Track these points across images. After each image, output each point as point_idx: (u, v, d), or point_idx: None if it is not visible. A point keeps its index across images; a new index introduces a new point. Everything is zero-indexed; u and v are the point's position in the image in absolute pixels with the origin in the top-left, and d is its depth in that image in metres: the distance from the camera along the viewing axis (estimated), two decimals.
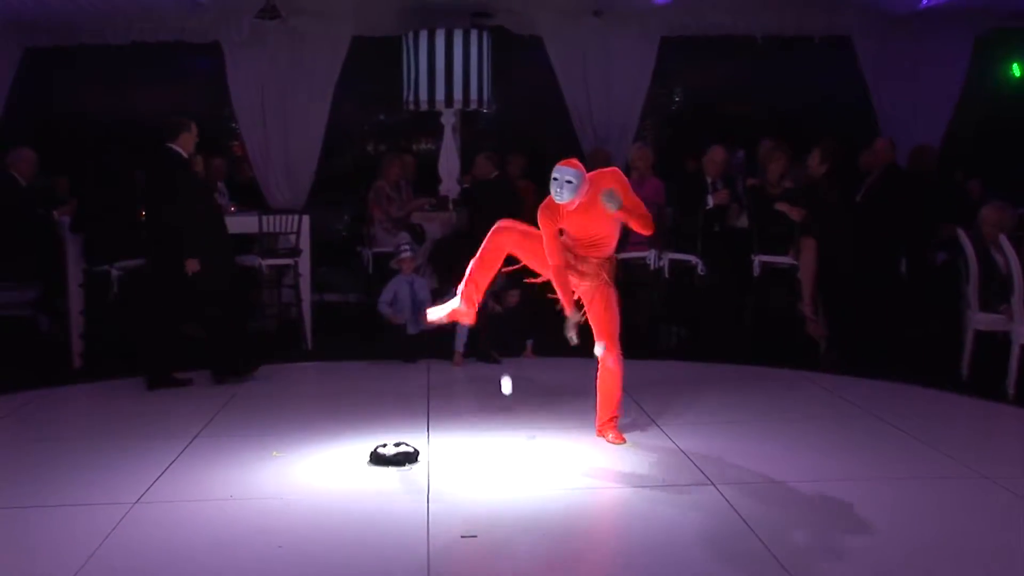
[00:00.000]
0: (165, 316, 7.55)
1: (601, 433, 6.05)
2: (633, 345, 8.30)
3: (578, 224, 5.71)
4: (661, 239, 9.12)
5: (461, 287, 5.91)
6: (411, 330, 8.32)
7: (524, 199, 9.51)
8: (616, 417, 6.06)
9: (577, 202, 5.59)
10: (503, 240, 5.78)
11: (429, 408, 6.82)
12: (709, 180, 9.20)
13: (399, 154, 10.68)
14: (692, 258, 8.98)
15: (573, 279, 5.79)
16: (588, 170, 5.69)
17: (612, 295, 5.86)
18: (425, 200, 10.47)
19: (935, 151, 9.57)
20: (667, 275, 9.08)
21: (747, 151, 10.49)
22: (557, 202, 5.53)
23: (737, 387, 7.43)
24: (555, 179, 5.51)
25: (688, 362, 8.36)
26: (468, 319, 6.00)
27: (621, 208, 5.54)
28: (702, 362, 8.30)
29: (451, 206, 10.47)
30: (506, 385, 6.20)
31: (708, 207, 9.03)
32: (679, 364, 8.32)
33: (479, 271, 5.84)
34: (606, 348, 5.85)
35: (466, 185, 9.88)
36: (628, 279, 9.32)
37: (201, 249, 7.47)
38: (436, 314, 6.04)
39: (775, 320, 8.96)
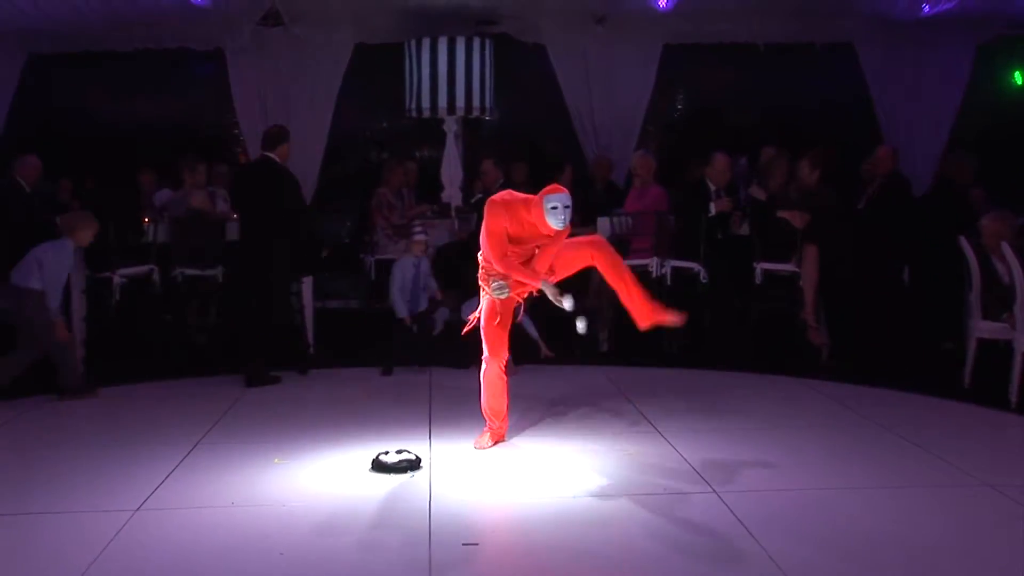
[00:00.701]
0: (264, 317, 7.89)
1: (654, 321, 5.93)
2: (635, 351, 8.39)
3: (525, 236, 5.65)
4: (664, 246, 9.13)
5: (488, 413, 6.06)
6: (404, 312, 8.36)
7: None
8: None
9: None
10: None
11: (431, 415, 6.82)
12: (712, 188, 9.19)
13: (401, 161, 10.69)
14: (695, 265, 8.97)
15: (522, 292, 5.82)
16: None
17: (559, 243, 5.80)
18: (427, 207, 10.49)
19: (972, 164, 9.45)
20: (669, 282, 9.07)
21: (750, 158, 10.50)
22: (557, 229, 5.51)
23: (739, 394, 7.43)
24: (554, 208, 5.48)
25: (690, 369, 8.37)
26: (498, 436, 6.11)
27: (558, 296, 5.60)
28: (704, 369, 8.31)
29: (453, 213, 10.49)
30: (581, 325, 6.06)
31: (711, 215, 9.02)
32: (681, 371, 8.32)
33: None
34: (593, 244, 5.84)
35: (480, 195, 9.88)
36: None
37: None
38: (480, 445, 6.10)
39: (777, 327, 8.97)
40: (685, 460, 5.77)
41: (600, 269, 5.85)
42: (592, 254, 5.82)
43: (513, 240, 5.65)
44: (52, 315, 7.29)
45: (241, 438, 6.35)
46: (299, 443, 6.19)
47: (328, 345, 9.14)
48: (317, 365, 8.66)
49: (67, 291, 8.11)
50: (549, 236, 5.62)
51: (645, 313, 5.90)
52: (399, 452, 5.69)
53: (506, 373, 5.98)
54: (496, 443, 6.07)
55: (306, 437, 6.33)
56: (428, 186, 10.99)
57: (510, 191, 5.82)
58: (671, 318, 5.91)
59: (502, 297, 5.73)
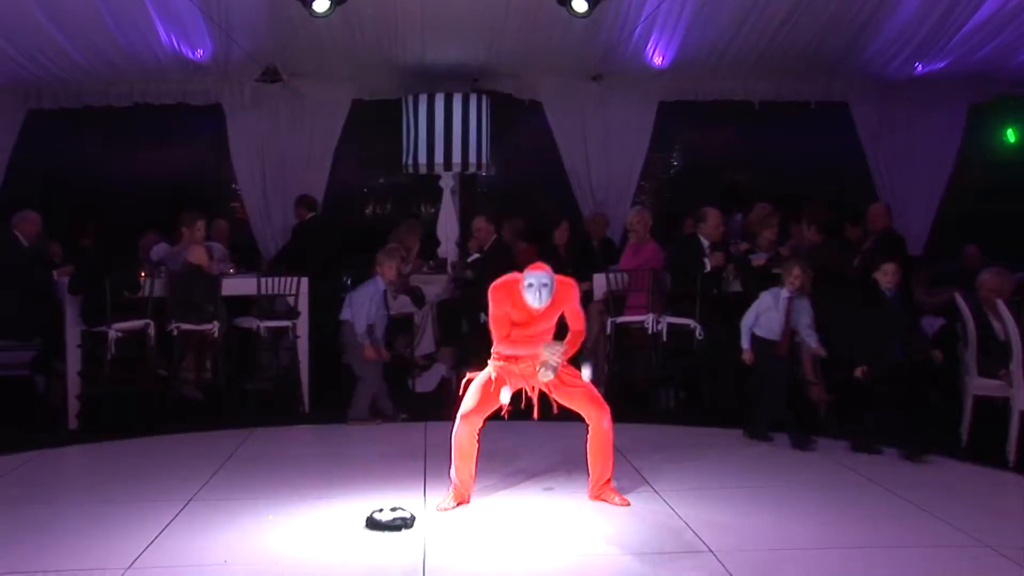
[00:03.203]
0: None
1: (599, 496, 6.02)
2: (631, 408, 8.36)
3: (527, 320, 5.81)
4: (660, 303, 9.14)
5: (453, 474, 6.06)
6: (363, 328, 8.35)
7: (523, 264, 9.53)
8: (611, 479, 6.06)
9: (547, 305, 5.76)
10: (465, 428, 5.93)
11: (426, 470, 6.78)
12: (706, 244, 9.20)
13: (416, 222, 10.69)
14: (690, 322, 8.95)
15: (523, 375, 5.90)
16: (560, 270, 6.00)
17: (568, 368, 5.95)
18: (423, 263, 10.50)
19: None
20: (665, 339, 9.05)
21: (744, 214, 10.54)
22: (535, 307, 5.71)
23: (737, 452, 7.39)
24: (530, 285, 5.70)
25: (686, 426, 8.32)
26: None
27: (554, 374, 5.80)
28: (701, 426, 8.26)
29: (450, 269, 10.50)
30: (587, 372, 6.17)
31: (706, 270, 9.03)
32: (677, 428, 8.28)
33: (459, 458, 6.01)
34: (600, 410, 5.89)
35: (476, 255, 9.92)
36: (627, 342, 9.34)
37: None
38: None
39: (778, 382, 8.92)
40: (681, 519, 5.72)
41: (590, 431, 5.97)
42: (590, 414, 5.95)
43: (521, 322, 5.79)
44: (360, 340, 8.31)
45: (235, 494, 6.30)
46: (293, 499, 6.15)
47: (325, 398, 9.10)
48: (312, 421, 8.65)
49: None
50: (544, 314, 5.77)
51: (597, 485, 6.06)
52: (393, 509, 5.65)
53: (478, 440, 5.96)
54: (459, 504, 6.01)
55: (300, 493, 6.28)
56: (425, 241, 11.01)
57: (514, 274, 5.90)
58: (619, 502, 6.02)
59: (504, 400, 5.84)
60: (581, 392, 5.94)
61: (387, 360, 8.61)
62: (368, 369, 8.36)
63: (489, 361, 5.98)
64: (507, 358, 5.88)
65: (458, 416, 5.94)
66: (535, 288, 5.68)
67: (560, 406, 6.00)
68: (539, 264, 5.81)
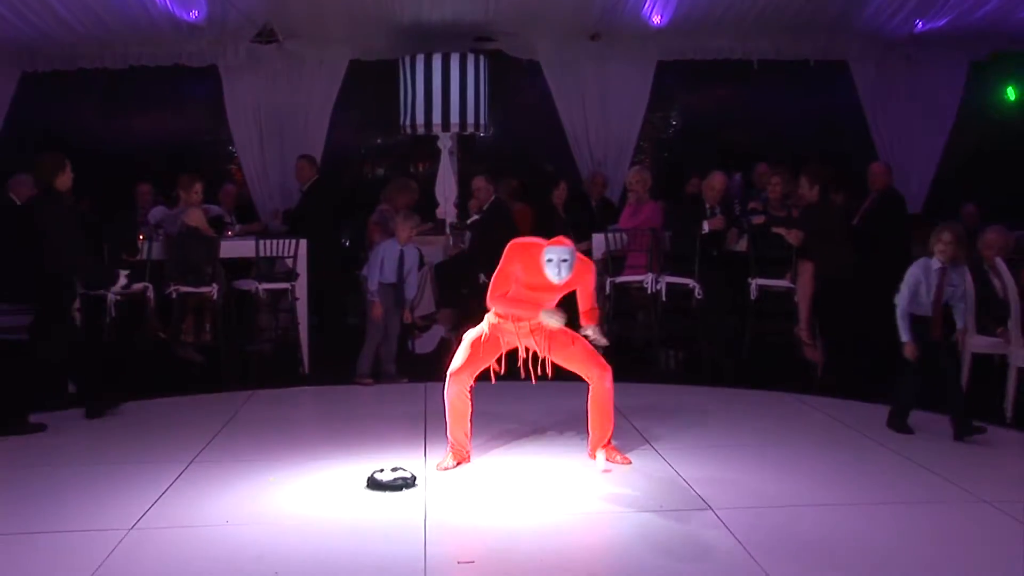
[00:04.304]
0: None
1: (599, 455, 6.04)
2: (630, 368, 8.38)
3: (538, 285, 5.73)
4: (659, 262, 9.15)
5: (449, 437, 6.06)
6: (375, 285, 8.40)
7: (519, 224, 9.53)
8: (611, 438, 6.09)
9: (568, 280, 5.70)
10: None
11: (426, 431, 6.80)
12: (708, 206, 9.20)
13: (407, 181, 10.65)
14: (689, 281, 8.97)
15: (523, 332, 5.86)
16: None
17: (566, 330, 5.91)
18: (425, 225, 10.48)
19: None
20: (664, 298, 9.08)
21: (744, 174, 10.52)
22: (556, 283, 5.64)
23: (734, 411, 7.42)
24: (550, 260, 5.60)
25: (685, 386, 8.35)
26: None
27: (559, 325, 5.75)
28: (699, 386, 8.30)
29: (448, 230, 10.48)
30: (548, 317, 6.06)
31: (705, 232, 9.03)
32: (676, 388, 8.30)
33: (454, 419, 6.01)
34: (601, 369, 5.88)
35: (476, 216, 9.90)
36: (625, 302, 9.36)
37: None
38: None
39: (772, 344, 8.98)
40: (681, 477, 5.75)
41: (591, 391, 5.95)
42: (591, 374, 5.92)
43: (530, 285, 5.72)
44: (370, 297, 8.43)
45: (236, 455, 6.32)
46: (294, 460, 6.17)
47: (324, 362, 9.12)
48: (312, 382, 8.69)
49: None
50: (556, 287, 5.71)
51: (598, 444, 6.05)
52: (394, 470, 5.67)
53: (470, 398, 5.95)
54: (459, 463, 6.02)
55: (301, 454, 6.30)
56: (423, 203, 10.97)
57: (540, 240, 5.79)
58: (621, 460, 6.03)
59: (551, 325, 5.77)
60: (581, 352, 5.92)
61: (410, 322, 8.83)
62: (372, 327, 8.43)
63: (485, 317, 5.95)
64: (505, 316, 5.85)
65: (448, 374, 5.93)
66: (555, 264, 5.60)
67: (555, 368, 5.98)
68: (561, 238, 5.72)
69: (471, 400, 5.96)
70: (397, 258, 8.44)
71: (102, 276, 8.18)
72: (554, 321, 5.72)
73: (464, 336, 6.00)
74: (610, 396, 5.97)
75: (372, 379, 8.41)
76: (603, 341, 5.91)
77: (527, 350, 5.93)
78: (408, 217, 8.63)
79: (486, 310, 5.98)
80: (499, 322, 5.88)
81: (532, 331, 5.86)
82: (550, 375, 5.95)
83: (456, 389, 5.92)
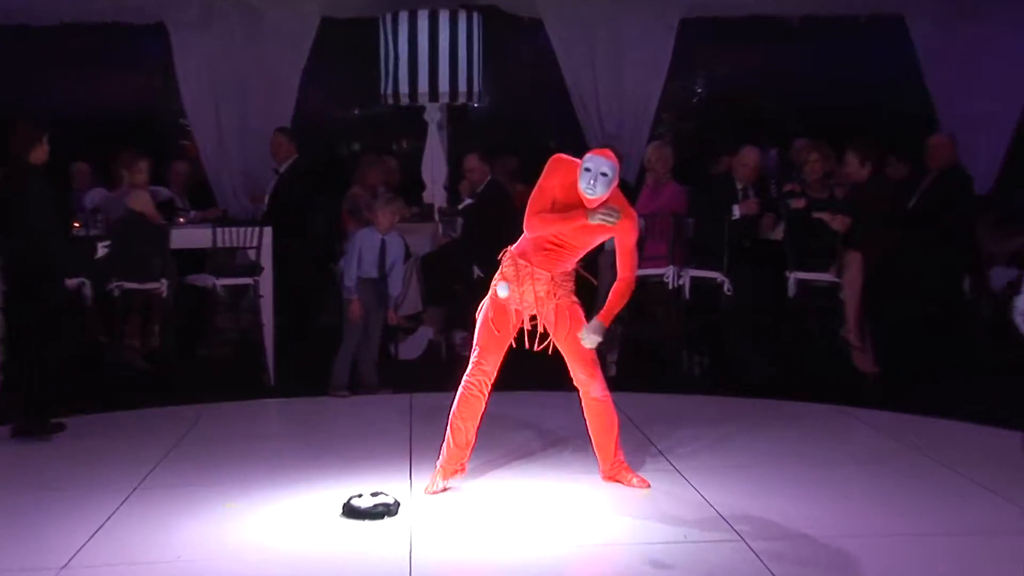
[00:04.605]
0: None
1: (613, 477, 6.04)
2: (649, 376, 8.38)
3: (570, 215, 5.60)
4: (682, 253, 9.15)
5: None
6: (352, 282, 8.40)
7: (518, 208, 9.52)
8: (624, 456, 6.08)
9: (601, 200, 5.55)
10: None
11: (412, 450, 6.79)
12: (740, 187, 9.20)
13: (380, 156, 10.66)
14: (717, 275, 8.98)
15: (527, 299, 5.80)
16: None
17: (579, 313, 5.88)
18: (406, 209, 10.47)
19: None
20: (688, 295, 9.09)
21: (781, 150, 10.52)
22: (588, 196, 5.49)
23: (770, 426, 7.40)
24: (588, 169, 5.46)
25: (713, 396, 8.36)
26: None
27: (616, 223, 5.52)
28: (729, 396, 8.29)
29: (437, 216, 10.48)
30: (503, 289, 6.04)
31: (735, 217, 9.03)
32: (702, 398, 8.32)
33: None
34: (589, 375, 5.85)
35: (469, 200, 9.90)
36: (643, 299, 9.34)
37: None
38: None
39: (814, 348, 8.99)
40: (708, 503, 5.75)
41: (582, 401, 5.93)
42: (578, 377, 5.88)
43: (559, 207, 5.59)
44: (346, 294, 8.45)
45: (188, 480, 6.31)
46: (258, 485, 6.15)
47: (292, 369, 9.14)
48: (279, 394, 8.71)
49: None
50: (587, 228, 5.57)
51: (609, 464, 6.04)
52: (375, 495, 5.66)
53: (487, 394, 5.91)
54: (453, 475, 6.00)
55: (266, 478, 6.29)
56: (407, 184, 10.97)
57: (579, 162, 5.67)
58: (637, 483, 6.00)
59: (502, 296, 5.75)
60: (572, 340, 5.81)
61: (395, 323, 8.85)
62: (349, 329, 8.43)
63: (494, 277, 5.88)
64: (523, 255, 5.74)
65: (470, 362, 5.91)
66: (592, 174, 5.43)
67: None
68: (605, 150, 5.62)
69: (487, 398, 5.91)
70: (378, 249, 8.44)
71: (78, 257, 8.17)
72: (608, 215, 5.48)
73: (477, 315, 5.96)
74: (606, 408, 5.92)
75: (349, 390, 8.41)
76: (590, 342, 5.75)
77: (531, 319, 5.86)
78: (390, 200, 8.62)
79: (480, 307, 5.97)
80: (514, 269, 5.78)
81: (539, 298, 5.78)
82: (550, 351, 5.89)
83: (475, 379, 5.88)
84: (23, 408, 7.30)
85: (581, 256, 5.83)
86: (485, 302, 5.93)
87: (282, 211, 9.66)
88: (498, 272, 5.89)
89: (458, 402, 5.94)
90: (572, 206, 5.56)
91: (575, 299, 5.91)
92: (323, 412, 8.12)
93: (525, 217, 5.66)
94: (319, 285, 9.86)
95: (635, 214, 5.79)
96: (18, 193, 7.17)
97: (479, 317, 5.94)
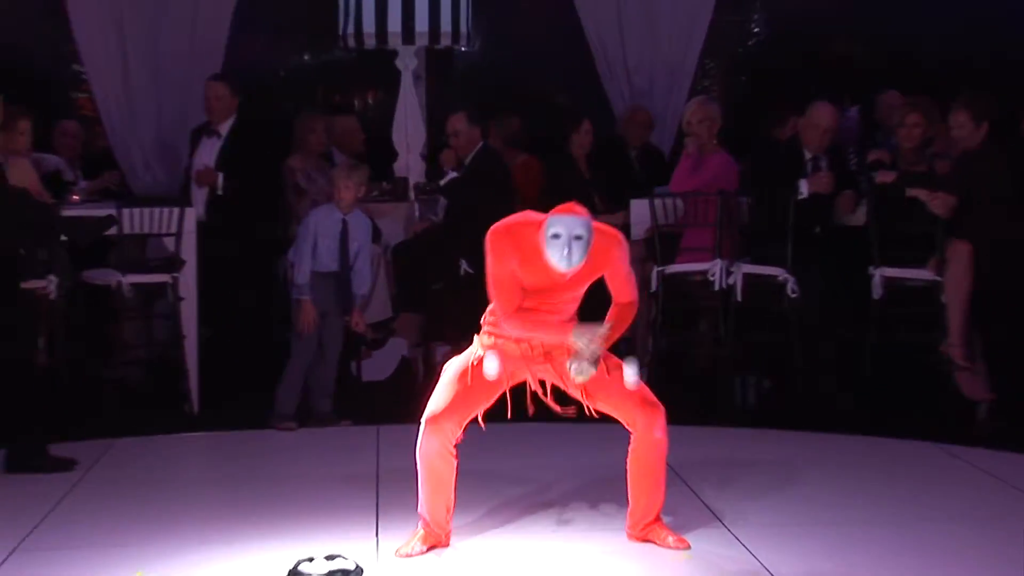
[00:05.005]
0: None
1: (645, 536, 6.04)
2: (687, 404, 8.35)
3: (540, 286, 5.74)
4: (732, 244, 9.17)
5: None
6: (305, 279, 8.42)
7: (521, 184, 9.50)
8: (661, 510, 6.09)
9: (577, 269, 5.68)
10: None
11: (379, 498, 6.81)
12: (808, 156, 9.19)
13: (322, 115, 10.61)
14: (779, 272, 8.99)
15: (527, 358, 5.90)
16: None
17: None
18: (374, 186, 10.45)
19: None
20: (740, 298, 9.08)
21: (863, 107, 10.50)
22: (563, 269, 5.59)
23: (848, 470, 7.44)
24: (556, 236, 5.54)
25: (771, 430, 8.42)
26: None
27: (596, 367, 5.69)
28: (792, 430, 8.33)
29: (413, 194, 10.46)
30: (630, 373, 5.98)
31: (802, 196, 9.01)
32: (757, 433, 8.40)
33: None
34: (649, 412, 5.86)
35: (453, 172, 9.89)
36: (683, 304, 9.33)
37: None
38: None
39: (906, 366, 8.97)
40: (766, 570, 5.73)
41: (634, 443, 5.93)
42: (634, 419, 5.89)
43: (529, 287, 5.72)
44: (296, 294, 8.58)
45: (85, 539, 6.28)
46: (176, 546, 6.12)
47: (222, 395, 9.11)
48: (205, 426, 8.70)
49: None
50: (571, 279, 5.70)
51: (642, 520, 6.07)
52: (330, 558, 5.64)
53: (455, 456, 5.93)
54: (431, 548, 6.02)
55: (188, 536, 6.27)
56: (374, 153, 10.95)
57: (525, 213, 5.85)
58: (675, 543, 6.01)
59: (491, 375, 5.79)
60: (617, 384, 5.86)
61: (361, 332, 8.87)
62: (299, 342, 8.46)
63: (476, 336, 5.95)
64: (507, 337, 5.85)
65: (423, 421, 5.89)
66: (563, 241, 5.53)
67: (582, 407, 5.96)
68: (571, 205, 5.66)
69: (456, 460, 5.91)
70: (339, 232, 8.43)
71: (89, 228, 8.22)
72: (592, 344, 5.63)
73: (446, 367, 5.98)
74: (662, 451, 5.94)
75: (297, 422, 8.41)
76: (584, 374, 5.74)
77: (542, 382, 5.93)
78: (353, 168, 8.61)
79: (471, 318, 6.00)
80: (497, 342, 5.87)
81: (547, 355, 5.85)
82: (573, 413, 5.91)
83: (436, 444, 5.86)
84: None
85: (565, 311, 5.89)
86: (466, 356, 5.94)
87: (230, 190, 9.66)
88: (479, 340, 5.94)
89: (423, 473, 5.93)
90: (537, 282, 5.68)
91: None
92: (263, 450, 8.13)
93: (500, 311, 5.76)
94: (259, 283, 9.86)
95: (618, 235, 5.89)
96: None
97: (453, 370, 5.93)
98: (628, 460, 5.98)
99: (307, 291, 8.39)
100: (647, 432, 5.88)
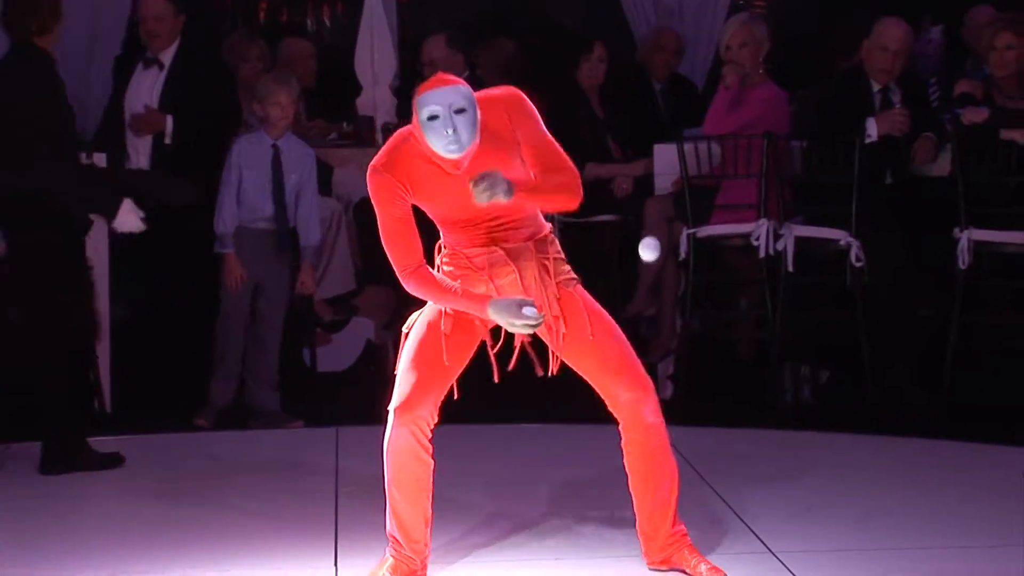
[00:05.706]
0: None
1: (669, 561, 6.02)
2: (727, 401, 8.45)
3: (458, 196, 5.60)
4: (780, 200, 9.25)
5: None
6: (229, 227, 8.50)
7: None
8: (683, 529, 6.07)
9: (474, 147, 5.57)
10: None
11: (338, 515, 6.90)
12: (877, 88, 9.24)
13: (255, 38, 10.64)
14: (840, 235, 9.07)
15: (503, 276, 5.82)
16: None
17: (589, 297, 5.90)
18: (330, 126, 10.53)
19: None
20: (791, 267, 9.15)
21: (947, 28, 10.55)
22: (454, 155, 5.51)
23: (922, 481, 7.48)
24: (432, 118, 5.42)
25: (826, 434, 8.47)
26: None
27: (511, 195, 5.48)
28: (854, 433, 8.39)
29: (380, 137, 10.52)
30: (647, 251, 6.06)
31: (871, 139, 9.09)
32: (810, 437, 8.43)
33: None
34: (634, 385, 5.83)
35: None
36: (717, 274, 9.41)
37: None
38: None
39: (999, 354, 9.09)
40: None
41: (623, 435, 5.87)
42: (615, 394, 5.84)
43: (447, 219, 5.73)
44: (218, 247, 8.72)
45: None
46: (89, 572, 6.19)
47: (139, 389, 9.26)
48: (118, 428, 8.78)
49: None
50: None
51: (661, 540, 6.00)
52: None
53: (430, 452, 5.87)
54: None
55: (102, 558, 6.33)
56: (333, 87, 11.03)
57: (401, 131, 5.76)
58: (707, 571, 5.93)
59: (526, 331, 5.69)
60: (601, 347, 5.84)
61: (310, 294, 8.86)
62: (226, 312, 8.52)
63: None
64: (464, 265, 5.80)
65: (391, 410, 5.83)
66: (443, 121, 5.42)
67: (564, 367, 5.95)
68: (439, 74, 5.61)
69: (433, 460, 5.88)
70: (269, 164, 8.50)
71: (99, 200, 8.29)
72: (493, 188, 5.41)
73: (406, 328, 5.95)
74: (660, 438, 5.90)
75: (210, 421, 8.54)
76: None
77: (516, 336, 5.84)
78: (282, 80, 8.63)
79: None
80: (462, 271, 5.82)
81: (528, 286, 5.80)
82: (552, 371, 5.86)
83: (408, 439, 5.80)
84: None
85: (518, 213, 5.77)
86: (423, 315, 5.88)
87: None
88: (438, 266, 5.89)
89: (393, 478, 5.86)
90: (452, 202, 5.62)
91: (573, 275, 5.91)
92: (191, 458, 8.21)
93: (399, 274, 5.72)
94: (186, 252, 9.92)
95: (510, 89, 5.79)
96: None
97: (417, 331, 5.85)
98: (625, 460, 5.90)
99: (230, 243, 8.42)
100: (634, 416, 5.80)
